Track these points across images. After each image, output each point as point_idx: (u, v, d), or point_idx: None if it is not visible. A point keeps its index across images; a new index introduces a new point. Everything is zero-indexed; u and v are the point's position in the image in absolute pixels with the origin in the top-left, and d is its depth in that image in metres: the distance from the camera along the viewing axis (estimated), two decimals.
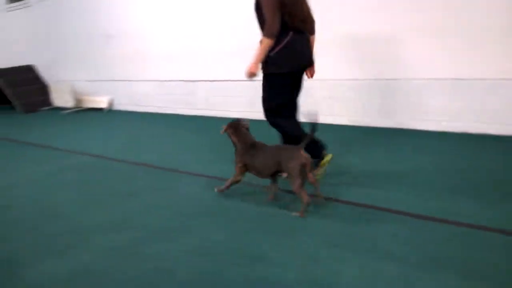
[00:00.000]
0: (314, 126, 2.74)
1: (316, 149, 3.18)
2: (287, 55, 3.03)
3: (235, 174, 3.02)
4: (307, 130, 2.86)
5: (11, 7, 9.54)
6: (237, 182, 3.04)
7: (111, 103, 8.11)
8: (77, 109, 8.30)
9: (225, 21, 6.06)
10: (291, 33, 3.01)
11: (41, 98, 9.10)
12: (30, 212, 3.11)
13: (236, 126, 3.03)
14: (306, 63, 3.21)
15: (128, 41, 7.44)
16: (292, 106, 3.30)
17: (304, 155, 2.68)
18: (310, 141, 2.82)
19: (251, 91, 5.77)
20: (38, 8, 8.98)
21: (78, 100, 8.39)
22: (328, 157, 3.26)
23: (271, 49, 3.01)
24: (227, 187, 3.10)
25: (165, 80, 7.08)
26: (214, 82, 6.44)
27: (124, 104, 7.90)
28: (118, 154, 4.70)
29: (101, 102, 8.15)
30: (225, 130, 3.04)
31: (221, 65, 6.27)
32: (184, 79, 6.80)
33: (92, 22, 7.96)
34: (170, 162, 4.21)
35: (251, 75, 3.02)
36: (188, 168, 3.97)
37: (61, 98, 8.58)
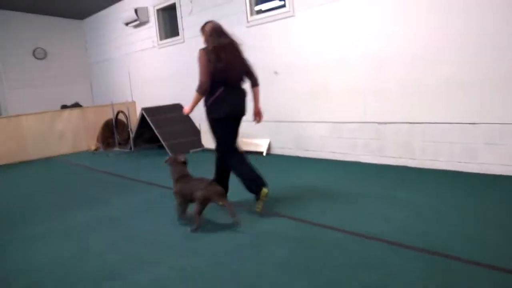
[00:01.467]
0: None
1: (254, 185, 3.81)
2: (219, 105, 3.82)
3: (176, 199, 3.83)
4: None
5: (163, 43, 9.16)
6: (181, 206, 3.84)
7: (270, 146, 7.06)
8: None
9: (424, 50, 4.68)
10: (222, 88, 3.82)
11: (190, 139, 8.41)
12: None
13: (173, 160, 3.91)
14: (237, 113, 3.97)
15: (298, 77, 6.39)
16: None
17: (210, 189, 3.49)
18: (250, 177, 3.83)
19: (467, 136, 4.31)
20: (190, 44, 8.44)
21: None
22: (264, 192, 3.80)
23: (206, 100, 3.91)
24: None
25: (343, 122, 5.84)
26: (415, 125, 5.03)
27: (287, 148, 6.79)
28: (309, 213, 3.43)
29: (260, 145, 7.14)
30: (165, 162, 3.95)
31: (421, 103, 4.86)
32: (370, 121, 5.49)
33: (252, 57, 7.07)
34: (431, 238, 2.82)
35: (186, 113, 4.12)
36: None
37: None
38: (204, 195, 3.46)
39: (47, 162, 8.74)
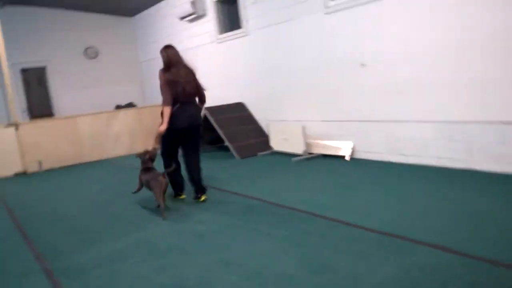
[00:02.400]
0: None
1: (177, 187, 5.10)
2: (172, 119, 4.65)
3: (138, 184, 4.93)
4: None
5: (223, 38, 8.52)
6: (138, 190, 4.96)
7: (353, 150, 6.30)
8: (308, 156, 6.66)
9: None
10: (178, 105, 4.68)
11: (257, 141, 7.75)
12: None
13: (142, 154, 4.96)
14: (189, 125, 4.77)
15: (391, 68, 5.59)
16: (174, 153, 5.00)
17: (162, 180, 4.50)
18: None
19: None
20: (255, 37, 7.75)
21: (308, 145, 6.76)
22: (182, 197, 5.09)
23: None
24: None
25: (452, 121, 5.01)
26: None
27: (376, 151, 6.01)
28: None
29: (342, 148, 6.39)
30: (136, 155, 5.10)
31: None
32: (491, 120, 4.65)
33: (331, 47, 6.33)
34: None
35: (161, 132, 4.76)
36: None
37: (284, 141, 7.06)
38: (161, 184, 4.49)
39: (105, 164, 8.28)
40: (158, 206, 4.51)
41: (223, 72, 8.65)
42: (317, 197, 4.60)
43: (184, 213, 4.55)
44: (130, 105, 10.35)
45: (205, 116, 7.89)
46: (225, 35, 8.46)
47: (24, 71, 10.55)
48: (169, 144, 4.90)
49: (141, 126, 9.27)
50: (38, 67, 10.82)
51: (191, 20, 9.19)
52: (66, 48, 10.78)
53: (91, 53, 11.02)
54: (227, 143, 7.53)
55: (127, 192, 5.44)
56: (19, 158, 8.06)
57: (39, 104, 11.39)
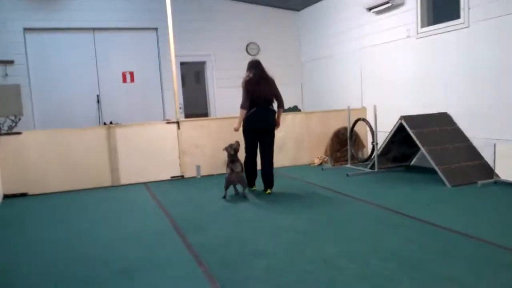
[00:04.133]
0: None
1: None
2: (249, 120, 5.56)
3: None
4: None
5: (426, 31, 6.81)
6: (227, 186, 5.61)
7: None
8: None
9: None
10: (254, 108, 5.51)
11: (470, 164, 5.90)
12: None
13: (228, 148, 5.61)
14: (261, 127, 5.60)
15: None
16: (253, 150, 5.77)
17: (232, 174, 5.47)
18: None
19: None
20: (479, 30, 5.92)
21: None
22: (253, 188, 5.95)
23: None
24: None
25: None
26: None
27: None
28: None
29: None
30: (223, 149, 5.72)
31: None
32: None
33: None
34: None
35: (235, 130, 5.69)
36: None
37: None
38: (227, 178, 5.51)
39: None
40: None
41: (421, 74, 6.93)
42: None
43: None
44: (295, 108, 9.16)
45: (399, 127, 6.28)
46: (430, 28, 6.73)
47: (182, 65, 9.96)
48: (247, 142, 5.76)
49: (308, 134, 7.96)
50: (196, 62, 10.20)
51: (380, 12, 7.64)
52: (228, 43, 9.99)
53: (252, 50, 10.11)
54: (433, 164, 5.80)
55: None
56: (177, 160, 7.26)
57: (194, 102, 10.82)
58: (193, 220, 4.79)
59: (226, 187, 5.56)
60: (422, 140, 6.01)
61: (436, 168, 5.75)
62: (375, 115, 6.91)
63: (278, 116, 5.80)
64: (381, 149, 6.80)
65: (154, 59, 9.68)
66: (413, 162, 7.19)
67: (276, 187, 5.93)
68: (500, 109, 5.70)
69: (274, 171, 5.84)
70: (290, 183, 6.50)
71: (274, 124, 5.71)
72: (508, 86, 5.59)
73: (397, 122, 6.31)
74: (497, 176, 5.52)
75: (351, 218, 4.57)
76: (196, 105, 10.73)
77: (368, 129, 7.90)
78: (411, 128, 6.10)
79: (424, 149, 5.92)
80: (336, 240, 3.90)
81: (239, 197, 5.61)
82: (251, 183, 5.92)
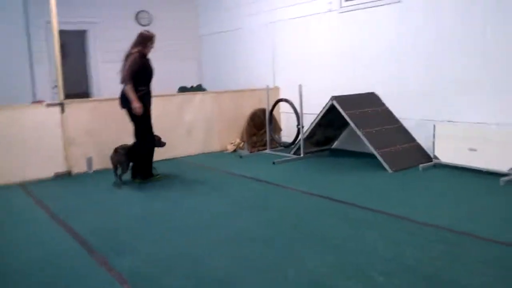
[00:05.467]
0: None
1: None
2: (147, 100, 5.04)
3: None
4: None
5: (350, 5, 6.30)
6: None
7: None
8: None
9: None
10: (146, 87, 5.02)
11: (407, 147, 5.59)
12: None
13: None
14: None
15: None
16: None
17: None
18: None
19: None
20: (411, 5, 5.59)
21: None
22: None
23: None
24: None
25: None
26: None
27: None
28: None
29: None
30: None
31: None
32: None
33: None
34: None
35: (138, 111, 4.88)
36: None
37: (468, 152, 4.92)
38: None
39: (183, 166, 6.00)
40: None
41: (346, 52, 6.44)
42: None
43: None
44: (199, 88, 8.07)
45: (330, 108, 5.73)
46: (356, 1, 6.22)
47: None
48: (150, 123, 5.20)
49: (218, 118, 6.99)
50: (75, 31, 8.43)
51: None
52: (115, 10, 8.41)
53: (143, 19, 8.69)
54: (372, 149, 5.35)
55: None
56: (62, 152, 5.75)
57: (72, 79, 9.01)
58: (109, 234, 3.57)
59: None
60: (357, 123, 5.52)
61: (375, 152, 5.32)
62: (300, 96, 6.25)
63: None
64: (307, 132, 6.18)
65: (21, 24, 7.66)
66: (334, 145, 6.75)
67: (198, 182, 4.95)
68: (435, 89, 5.45)
69: (185, 161, 5.36)
70: (211, 175, 5.52)
71: (123, 103, 5.04)
72: (443, 64, 5.35)
73: (327, 103, 5.74)
74: (437, 158, 5.27)
75: (308, 215, 3.83)
76: (74, 83, 8.92)
77: (281, 111, 7.32)
78: (344, 110, 5.57)
79: (360, 132, 5.44)
80: (311, 246, 3.12)
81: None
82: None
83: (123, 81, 4.87)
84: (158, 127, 5.46)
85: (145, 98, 4.96)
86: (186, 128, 6.69)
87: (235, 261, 2.96)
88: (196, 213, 4.07)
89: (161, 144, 5.32)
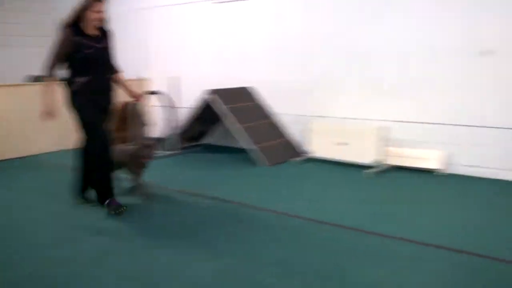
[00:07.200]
0: None
1: None
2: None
3: None
4: None
5: None
6: None
7: (448, 162, 4.82)
8: (382, 168, 4.94)
9: None
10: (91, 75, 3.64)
11: (280, 142, 5.69)
12: None
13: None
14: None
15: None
16: None
17: None
18: None
19: None
20: (284, 1, 5.72)
21: (383, 153, 5.03)
22: None
23: None
24: None
25: None
26: None
27: (484, 166, 4.63)
28: None
29: (429, 158, 4.85)
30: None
31: None
32: None
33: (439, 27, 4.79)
34: None
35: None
36: None
37: (339, 146, 5.20)
38: None
39: (35, 167, 5.20)
40: None
41: (221, 45, 6.32)
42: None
43: None
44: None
45: (208, 102, 5.57)
46: None
47: None
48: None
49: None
50: None
51: None
52: None
53: None
54: (249, 144, 5.32)
55: None
56: None
57: None
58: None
59: None
60: (237, 117, 5.44)
61: (255, 147, 5.30)
62: (173, 88, 5.95)
63: None
64: (183, 127, 5.91)
65: None
66: (205, 140, 6.59)
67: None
68: (309, 86, 5.64)
69: (37, 160, 4.83)
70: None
71: None
72: (315, 62, 5.57)
73: (206, 96, 5.54)
74: (310, 152, 5.46)
75: (212, 221, 3.61)
76: None
77: (151, 104, 6.91)
78: (225, 104, 5.44)
79: (240, 126, 5.37)
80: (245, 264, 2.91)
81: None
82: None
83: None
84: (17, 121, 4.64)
85: None
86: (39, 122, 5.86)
87: None
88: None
89: None
